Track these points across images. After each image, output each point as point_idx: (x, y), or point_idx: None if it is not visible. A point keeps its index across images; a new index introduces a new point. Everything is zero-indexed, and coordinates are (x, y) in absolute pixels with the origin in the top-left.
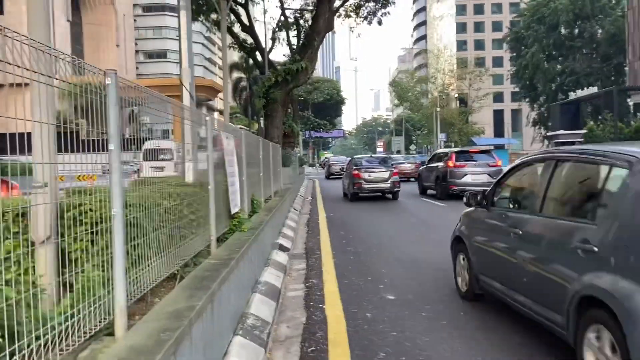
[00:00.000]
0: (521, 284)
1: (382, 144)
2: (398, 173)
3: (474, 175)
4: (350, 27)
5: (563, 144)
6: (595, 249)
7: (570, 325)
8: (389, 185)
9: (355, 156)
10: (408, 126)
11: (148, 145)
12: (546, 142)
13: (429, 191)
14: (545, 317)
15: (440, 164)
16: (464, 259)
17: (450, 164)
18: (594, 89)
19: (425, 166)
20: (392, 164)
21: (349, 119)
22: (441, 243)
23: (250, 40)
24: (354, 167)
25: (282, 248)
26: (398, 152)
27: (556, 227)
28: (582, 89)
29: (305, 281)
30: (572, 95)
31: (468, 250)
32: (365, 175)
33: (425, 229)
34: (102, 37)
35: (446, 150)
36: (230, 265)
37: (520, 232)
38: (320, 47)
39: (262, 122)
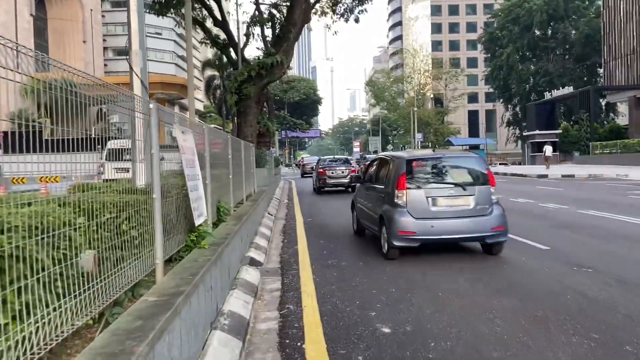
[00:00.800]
0: (369, 219)
1: (358, 144)
2: (355, 171)
3: None
4: (327, 25)
5: (539, 144)
6: (383, 195)
7: (379, 229)
8: (347, 180)
9: (321, 157)
10: (385, 126)
11: (112, 144)
12: (519, 142)
13: None
14: (376, 230)
15: None
16: (354, 212)
17: None
18: (569, 89)
19: None
20: (351, 164)
21: (325, 119)
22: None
23: (223, 35)
24: (320, 166)
25: (254, 262)
26: (375, 152)
27: (377, 189)
28: (556, 90)
29: (280, 307)
30: (547, 96)
31: (355, 207)
32: (329, 173)
33: None
34: (67, 32)
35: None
36: (176, 304)
37: (368, 193)
38: (296, 46)
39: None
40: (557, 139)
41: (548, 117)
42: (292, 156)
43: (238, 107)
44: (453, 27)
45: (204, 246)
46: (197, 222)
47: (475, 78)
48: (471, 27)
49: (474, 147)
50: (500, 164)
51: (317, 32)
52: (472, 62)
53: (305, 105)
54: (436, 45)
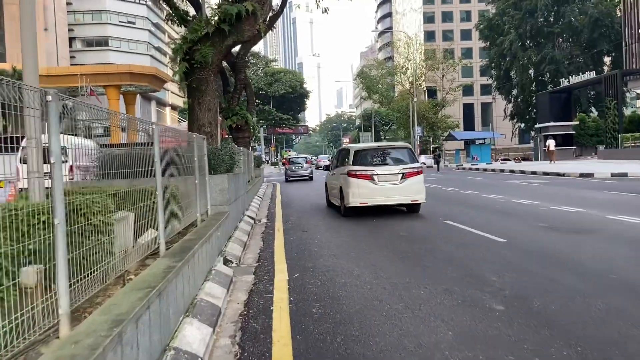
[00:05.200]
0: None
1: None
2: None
3: None
4: (316, 1)
5: (554, 136)
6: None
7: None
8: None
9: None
10: (376, 121)
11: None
12: (518, 136)
13: None
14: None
15: None
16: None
17: None
18: (591, 74)
19: None
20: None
21: (313, 116)
22: None
23: (193, 11)
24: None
25: None
26: None
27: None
28: (563, 79)
29: None
30: (564, 83)
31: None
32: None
33: None
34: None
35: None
36: None
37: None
38: (282, 40)
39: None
40: (573, 131)
41: (562, 107)
42: (278, 154)
43: (190, 82)
44: (446, 17)
45: None
46: None
47: (470, 69)
48: (465, 16)
49: (471, 142)
50: (502, 159)
51: (303, 27)
52: (467, 53)
53: (292, 99)
54: (429, 36)
